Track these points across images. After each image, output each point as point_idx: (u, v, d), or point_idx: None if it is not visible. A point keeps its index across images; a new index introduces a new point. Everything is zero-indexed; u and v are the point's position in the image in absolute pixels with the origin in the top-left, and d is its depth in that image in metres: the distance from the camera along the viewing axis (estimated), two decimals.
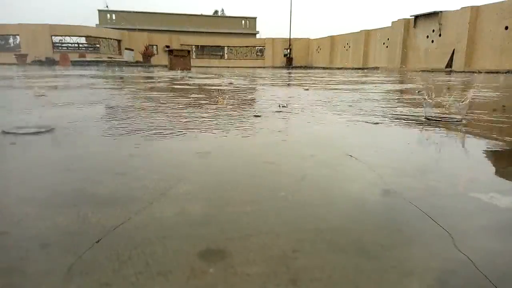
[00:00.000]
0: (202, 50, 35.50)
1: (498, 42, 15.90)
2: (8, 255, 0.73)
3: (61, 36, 27.83)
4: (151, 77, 9.05)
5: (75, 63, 21.30)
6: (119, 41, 30.56)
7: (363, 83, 7.55)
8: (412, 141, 1.92)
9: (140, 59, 25.52)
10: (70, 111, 2.86)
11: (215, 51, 35.63)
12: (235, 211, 0.96)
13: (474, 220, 0.93)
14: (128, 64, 23.10)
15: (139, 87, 5.69)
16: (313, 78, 10.16)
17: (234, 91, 4.95)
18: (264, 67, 29.96)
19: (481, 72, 14.69)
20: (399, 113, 2.88)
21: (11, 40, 41.37)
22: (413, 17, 21.27)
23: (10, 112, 2.82)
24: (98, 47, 28.47)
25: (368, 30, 26.28)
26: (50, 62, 22.68)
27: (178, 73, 11.63)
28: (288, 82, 8.00)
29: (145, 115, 2.61)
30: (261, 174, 1.29)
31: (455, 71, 16.95)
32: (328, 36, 31.77)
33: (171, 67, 15.52)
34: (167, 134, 1.93)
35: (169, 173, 1.27)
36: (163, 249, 0.75)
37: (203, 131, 2.04)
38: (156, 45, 31.47)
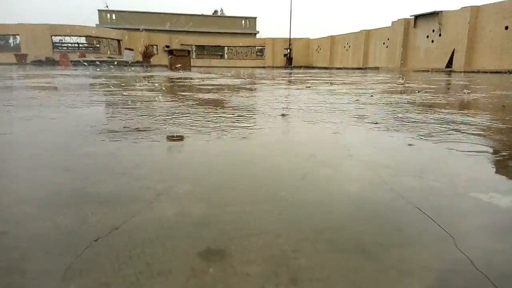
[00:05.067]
0: (202, 50, 35.48)
1: (498, 42, 15.90)
2: (8, 255, 0.73)
3: (61, 36, 27.83)
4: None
5: (75, 63, 21.30)
6: (119, 41, 30.56)
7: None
8: None
9: (140, 59, 25.51)
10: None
11: (215, 51, 35.61)
12: (235, 211, 0.96)
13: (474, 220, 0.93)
14: (128, 64, 23.09)
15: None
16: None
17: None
18: (264, 67, 29.95)
19: (480, 72, 14.68)
20: None
21: (11, 40, 41.35)
22: (413, 17, 21.27)
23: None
24: (98, 47, 28.48)
25: (368, 30, 26.28)
26: (50, 62, 22.67)
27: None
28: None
29: None
30: None
31: (455, 71, 16.95)
32: (328, 36, 31.75)
33: (172, 67, 15.52)
34: None
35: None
36: (163, 249, 0.75)
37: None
38: (156, 45, 31.47)
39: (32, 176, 1.24)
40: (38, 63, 22.60)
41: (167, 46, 27.07)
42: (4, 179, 1.22)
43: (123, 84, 6.14)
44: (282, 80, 8.76)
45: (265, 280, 0.65)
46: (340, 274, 0.68)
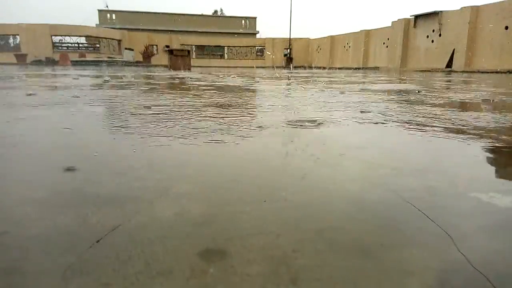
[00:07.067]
0: (202, 50, 35.50)
1: (498, 42, 15.90)
2: (8, 255, 0.73)
3: (61, 36, 27.84)
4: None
5: (75, 63, 21.31)
6: (119, 41, 30.57)
7: None
8: None
9: (140, 59, 25.53)
10: None
11: (215, 51, 35.63)
12: (235, 211, 0.96)
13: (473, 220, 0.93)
14: (129, 63, 23.09)
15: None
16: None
17: None
18: (264, 67, 29.96)
19: (480, 72, 14.69)
20: None
21: (11, 40, 41.38)
22: (413, 17, 21.28)
23: None
24: (98, 47, 28.49)
25: (368, 30, 26.29)
26: (50, 62, 22.69)
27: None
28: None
29: None
30: None
31: (455, 71, 16.95)
32: (328, 36, 31.76)
33: (172, 67, 15.54)
34: None
35: None
36: (163, 249, 0.75)
37: None
38: (156, 45, 31.47)
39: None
40: (38, 63, 22.61)
41: (167, 46, 27.07)
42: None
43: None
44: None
45: (266, 280, 0.65)
46: (340, 274, 0.68)
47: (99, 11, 36.51)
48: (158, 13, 37.69)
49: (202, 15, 40.60)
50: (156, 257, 0.72)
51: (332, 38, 31.27)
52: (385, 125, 2.30)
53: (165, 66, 18.80)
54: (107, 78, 7.73)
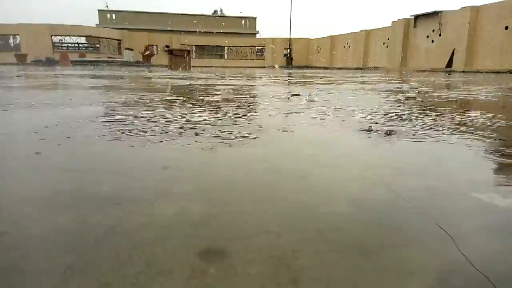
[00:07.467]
0: (202, 50, 35.48)
1: (498, 42, 15.89)
2: (8, 255, 0.73)
3: (61, 36, 27.84)
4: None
5: (75, 63, 21.30)
6: (119, 41, 30.56)
7: None
8: None
9: (140, 59, 25.50)
10: None
11: (215, 51, 35.61)
12: (235, 211, 0.96)
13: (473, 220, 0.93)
14: (129, 64, 23.08)
15: None
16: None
17: None
18: (264, 67, 29.94)
19: (480, 72, 14.68)
20: None
21: (11, 40, 41.43)
22: (413, 17, 21.26)
23: None
24: (98, 47, 28.48)
25: (368, 30, 26.27)
26: (50, 62, 22.69)
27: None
28: None
29: None
30: None
31: (455, 71, 16.94)
32: (328, 36, 31.74)
33: (172, 67, 15.54)
34: None
35: None
36: (163, 249, 0.75)
37: None
38: (156, 45, 31.45)
39: None
40: (38, 63, 22.62)
41: (167, 46, 27.05)
42: None
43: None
44: None
45: (266, 280, 0.65)
46: (340, 274, 0.68)
47: (99, 11, 36.49)
48: (158, 13, 37.65)
49: (202, 15, 40.56)
50: (156, 257, 0.72)
51: (332, 38, 31.25)
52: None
53: (165, 66, 18.78)
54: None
